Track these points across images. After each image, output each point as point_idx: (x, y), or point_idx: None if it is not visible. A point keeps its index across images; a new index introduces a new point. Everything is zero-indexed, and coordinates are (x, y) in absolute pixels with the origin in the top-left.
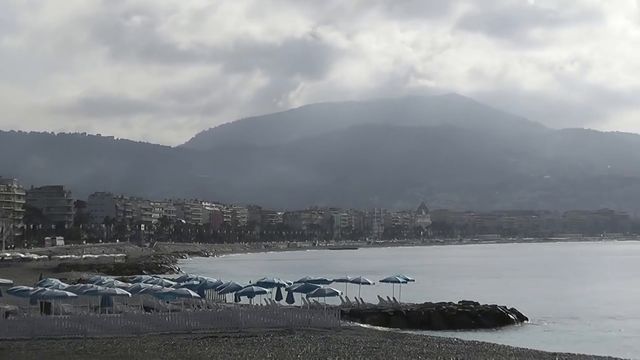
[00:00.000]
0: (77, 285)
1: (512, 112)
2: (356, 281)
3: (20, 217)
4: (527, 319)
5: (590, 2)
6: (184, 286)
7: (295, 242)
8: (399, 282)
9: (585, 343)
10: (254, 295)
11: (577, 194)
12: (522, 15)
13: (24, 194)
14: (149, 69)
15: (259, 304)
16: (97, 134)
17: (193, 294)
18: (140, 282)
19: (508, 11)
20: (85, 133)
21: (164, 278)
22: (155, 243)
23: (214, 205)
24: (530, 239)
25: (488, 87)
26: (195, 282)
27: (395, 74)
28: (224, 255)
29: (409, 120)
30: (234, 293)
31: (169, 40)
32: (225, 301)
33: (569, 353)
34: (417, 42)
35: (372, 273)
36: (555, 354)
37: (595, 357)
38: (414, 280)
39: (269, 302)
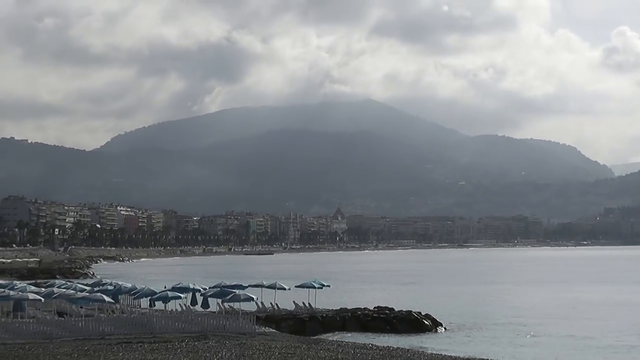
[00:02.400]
0: None
1: (427, 118)
2: (272, 286)
3: None
4: (441, 325)
5: (504, 10)
6: (98, 291)
7: (210, 247)
8: (314, 287)
9: (497, 348)
10: (169, 301)
11: (491, 200)
12: (436, 21)
13: None
14: (63, 72)
15: (174, 310)
16: (11, 137)
17: (107, 299)
18: (54, 287)
19: (422, 17)
20: None
21: (78, 283)
22: (70, 247)
23: (129, 209)
24: (445, 244)
25: (403, 93)
26: (110, 287)
27: (310, 79)
28: (139, 260)
29: (325, 126)
30: (148, 298)
31: (82, 43)
32: (140, 306)
33: (482, 358)
34: (332, 48)
35: (287, 278)
36: (468, 359)
37: None
38: (329, 286)
39: (184, 308)
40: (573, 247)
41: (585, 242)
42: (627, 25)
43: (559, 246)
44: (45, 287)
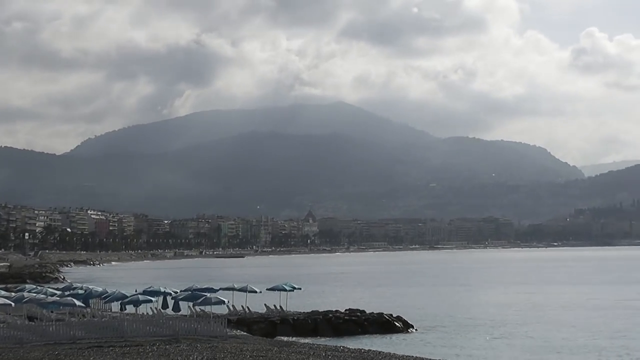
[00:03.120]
0: None
1: (398, 120)
2: (243, 289)
3: None
4: (412, 327)
5: (473, 12)
6: (68, 295)
7: (182, 250)
8: (285, 290)
9: (469, 350)
10: (140, 304)
11: (462, 202)
12: (405, 24)
13: None
14: (32, 76)
15: (145, 313)
16: None
17: (78, 303)
18: (24, 291)
19: (391, 20)
20: None
21: (49, 287)
22: (40, 252)
23: (99, 213)
24: (417, 246)
25: (374, 96)
26: (80, 291)
27: (280, 82)
28: (110, 264)
29: (296, 128)
30: (119, 302)
31: (51, 47)
32: (111, 310)
33: None
34: (302, 51)
35: (259, 281)
36: None
37: None
38: (300, 289)
39: (155, 311)
40: (544, 248)
41: (555, 243)
42: (596, 26)
43: (530, 247)
44: (15, 292)
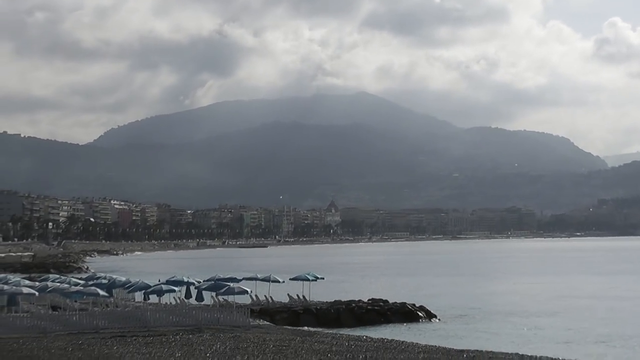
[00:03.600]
0: None
1: (420, 110)
2: (266, 279)
3: None
4: (435, 317)
5: (495, 2)
6: (92, 285)
7: (204, 240)
8: (308, 280)
9: (493, 340)
10: (163, 294)
11: (484, 192)
12: (427, 14)
13: None
14: (54, 66)
15: (168, 303)
16: (4, 132)
17: (101, 292)
18: (48, 281)
19: (413, 10)
20: None
21: (72, 277)
22: (63, 242)
23: (122, 203)
24: (439, 236)
25: (396, 86)
26: (104, 281)
27: (303, 72)
28: (133, 254)
29: (318, 119)
30: (142, 292)
31: (73, 37)
32: (134, 300)
33: (477, 350)
34: (324, 41)
35: (281, 271)
36: (463, 350)
37: (502, 353)
38: (323, 279)
39: (178, 301)
40: (566, 239)
41: (578, 234)
42: (619, 16)
43: (552, 237)
44: (39, 282)
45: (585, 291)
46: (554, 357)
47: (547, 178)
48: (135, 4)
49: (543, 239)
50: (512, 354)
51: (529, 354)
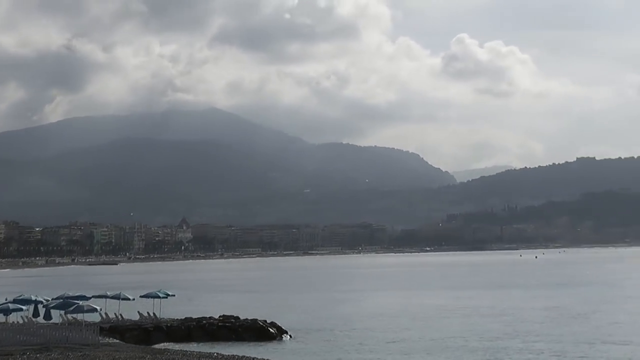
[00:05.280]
0: None
1: (271, 126)
2: (116, 297)
3: None
4: (287, 332)
5: (345, 18)
6: None
7: (54, 258)
8: (159, 297)
9: (343, 355)
10: (10, 313)
11: (336, 208)
12: (278, 29)
13: None
14: None
15: (15, 322)
16: None
17: None
18: None
19: (264, 25)
20: None
21: None
22: None
23: None
24: (291, 252)
25: (247, 102)
26: None
27: (154, 88)
28: None
29: (169, 134)
30: None
31: None
32: None
33: None
34: (175, 56)
35: (132, 288)
36: None
37: None
38: (174, 295)
39: (26, 320)
40: (417, 253)
41: (428, 249)
42: (466, 33)
43: (403, 252)
44: None
45: (432, 305)
46: None
47: (398, 193)
48: None
49: (394, 254)
50: None
51: None
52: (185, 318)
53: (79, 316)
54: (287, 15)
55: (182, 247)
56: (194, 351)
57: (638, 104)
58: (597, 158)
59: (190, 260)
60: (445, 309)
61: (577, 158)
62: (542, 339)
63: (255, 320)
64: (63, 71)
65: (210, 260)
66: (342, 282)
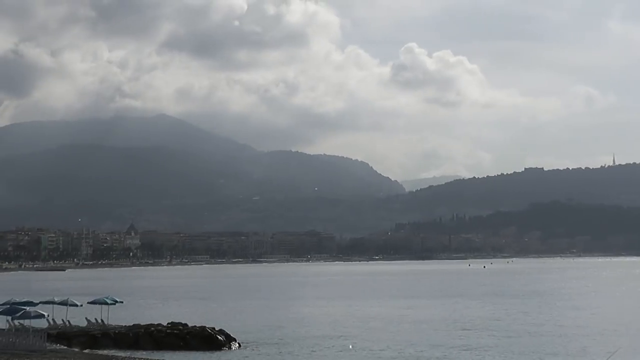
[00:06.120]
0: None
1: (220, 133)
2: (63, 303)
3: None
4: (235, 340)
5: (294, 26)
6: None
7: (0, 263)
8: (107, 303)
9: None
10: None
11: (284, 216)
12: (227, 36)
13: None
14: None
15: None
16: None
17: None
18: None
19: (213, 32)
20: None
21: None
22: None
23: None
24: (239, 259)
25: (196, 108)
26: None
27: (101, 93)
28: None
29: (117, 140)
30: None
31: None
32: None
33: None
34: (123, 62)
35: (80, 294)
36: None
37: None
38: (122, 302)
39: None
40: (365, 262)
41: (377, 257)
42: (415, 42)
43: (351, 261)
44: None
45: (377, 314)
46: None
47: (346, 202)
48: None
49: (342, 262)
50: None
51: None
52: (133, 325)
53: (26, 322)
54: (236, 23)
55: (130, 253)
56: (141, 358)
57: (585, 115)
58: (544, 169)
59: (139, 267)
60: (398, 319)
61: (525, 168)
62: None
63: (203, 328)
64: (10, 75)
65: (159, 267)
66: (291, 290)
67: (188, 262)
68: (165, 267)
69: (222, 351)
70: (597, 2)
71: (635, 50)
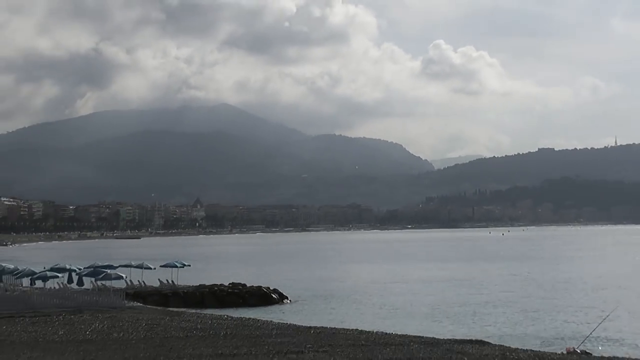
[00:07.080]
0: None
1: (273, 120)
2: (139, 266)
3: None
4: (287, 298)
5: (337, 26)
6: None
7: (85, 232)
8: (176, 267)
9: (337, 318)
10: (48, 280)
11: (329, 191)
12: (278, 35)
13: None
14: None
15: (52, 287)
16: None
17: None
18: None
19: (266, 32)
20: None
21: None
22: None
23: (11, 200)
24: (290, 229)
25: (252, 98)
26: None
27: (170, 86)
28: (21, 245)
29: (184, 127)
30: (29, 278)
31: None
32: (22, 285)
33: (322, 327)
34: (189, 58)
35: (153, 259)
36: (310, 327)
37: (343, 329)
38: (190, 265)
39: (61, 286)
40: (399, 230)
41: (409, 226)
42: (442, 39)
43: (387, 230)
44: None
45: (414, 276)
46: (388, 332)
47: (382, 179)
48: (20, 23)
49: (379, 230)
50: (352, 329)
51: (368, 330)
52: (199, 285)
53: (107, 283)
54: (287, 24)
55: (197, 224)
56: (206, 314)
57: (591, 103)
58: (555, 149)
59: (203, 235)
60: (429, 279)
61: (538, 149)
62: (509, 301)
63: (259, 287)
64: (91, 70)
65: (221, 235)
66: (337, 255)
67: (246, 231)
68: (226, 235)
69: (275, 306)
70: (602, 2)
71: (636, 46)
